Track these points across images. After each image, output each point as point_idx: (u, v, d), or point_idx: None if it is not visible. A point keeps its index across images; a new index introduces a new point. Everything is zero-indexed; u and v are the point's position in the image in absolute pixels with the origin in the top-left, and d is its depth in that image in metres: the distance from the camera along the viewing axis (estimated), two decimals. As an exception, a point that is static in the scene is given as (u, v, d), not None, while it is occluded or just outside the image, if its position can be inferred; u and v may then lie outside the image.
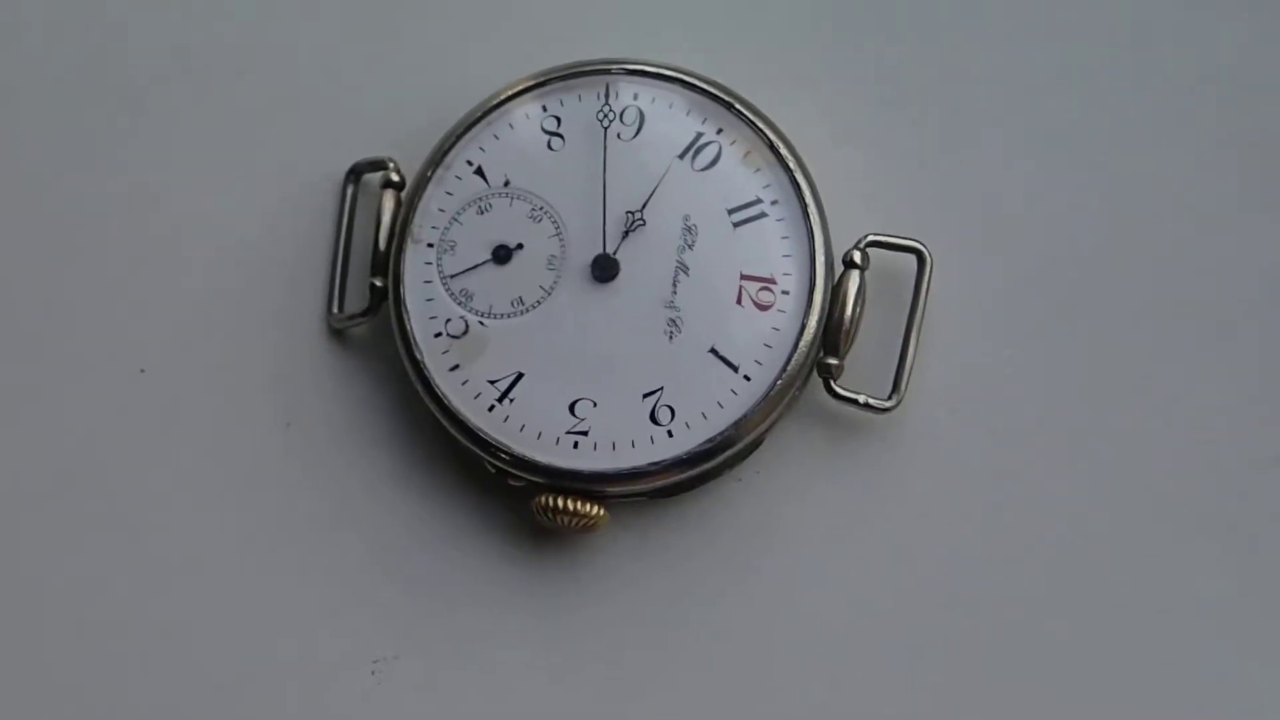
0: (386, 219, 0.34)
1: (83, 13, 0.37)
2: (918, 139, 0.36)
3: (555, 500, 0.33)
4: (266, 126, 0.37)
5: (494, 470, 0.33)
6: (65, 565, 0.35)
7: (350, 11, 0.37)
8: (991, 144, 0.36)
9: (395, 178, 0.35)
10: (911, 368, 0.34)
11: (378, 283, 0.34)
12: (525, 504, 0.33)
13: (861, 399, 0.33)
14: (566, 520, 0.33)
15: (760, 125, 0.34)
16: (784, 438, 0.34)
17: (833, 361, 0.33)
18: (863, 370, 0.34)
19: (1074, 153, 0.36)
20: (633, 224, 0.33)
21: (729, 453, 0.33)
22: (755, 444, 0.34)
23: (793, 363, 0.33)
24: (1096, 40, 0.36)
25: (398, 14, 0.37)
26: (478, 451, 0.33)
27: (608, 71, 0.34)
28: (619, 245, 0.33)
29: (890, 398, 0.34)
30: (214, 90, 0.37)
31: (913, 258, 0.34)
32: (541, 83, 0.34)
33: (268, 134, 0.37)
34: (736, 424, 0.32)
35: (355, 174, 0.36)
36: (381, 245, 0.34)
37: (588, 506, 0.33)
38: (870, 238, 0.34)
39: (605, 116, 0.34)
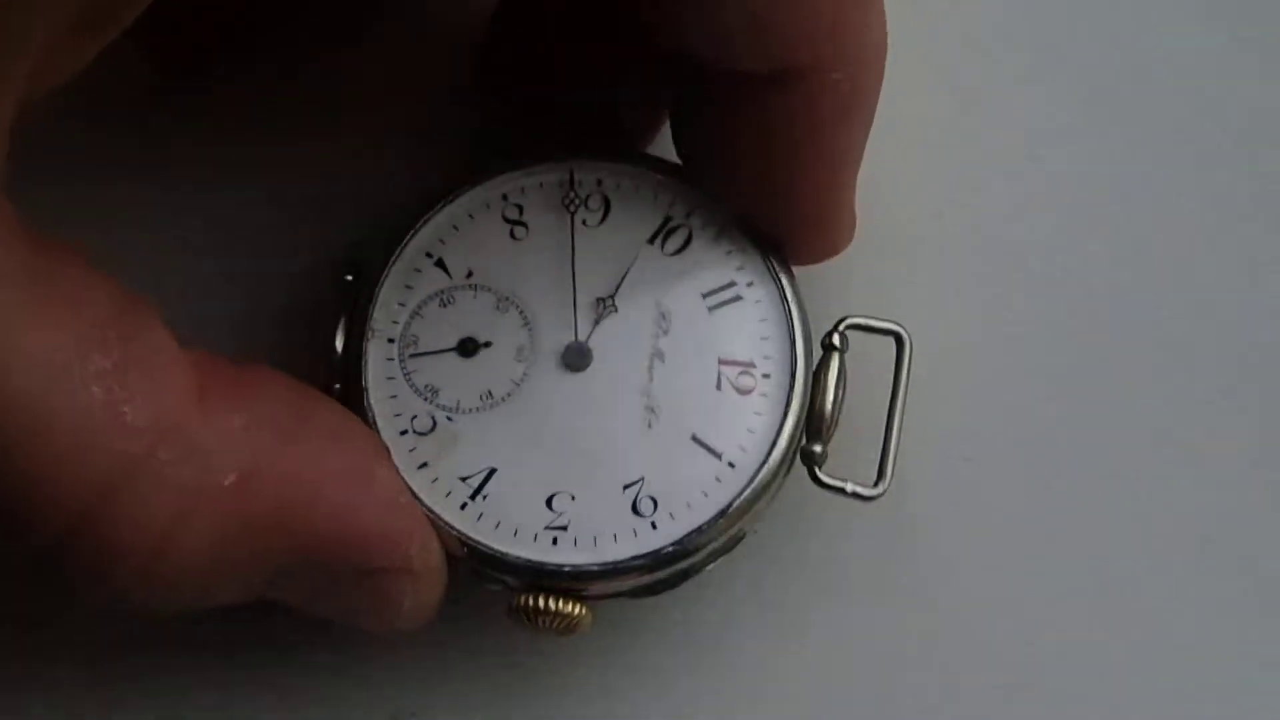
0: (343, 320, 0.33)
1: None
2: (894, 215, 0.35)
3: (535, 600, 0.31)
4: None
5: (473, 573, 0.31)
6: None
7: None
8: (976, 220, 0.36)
9: (349, 278, 0.33)
10: (897, 453, 0.32)
11: (336, 386, 0.32)
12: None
13: (849, 488, 0.32)
14: (547, 621, 0.31)
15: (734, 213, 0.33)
16: (768, 528, 0.33)
17: (816, 449, 0.32)
18: (846, 453, 0.33)
19: (1070, 217, 0.36)
20: (604, 311, 0.32)
21: (714, 544, 0.31)
22: (739, 536, 0.32)
23: (777, 447, 0.31)
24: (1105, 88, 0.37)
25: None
26: (451, 552, 0.31)
27: (570, 158, 0.33)
28: (590, 333, 0.32)
29: (876, 485, 0.32)
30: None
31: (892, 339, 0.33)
32: (500, 171, 0.33)
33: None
34: (723, 512, 0.31)
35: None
36: (338, 346, 0.32)
37: (570, 606, 0.31)
38: (849, 321, 0.33)
39: (570, 202, 0.33)
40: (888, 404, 0.33)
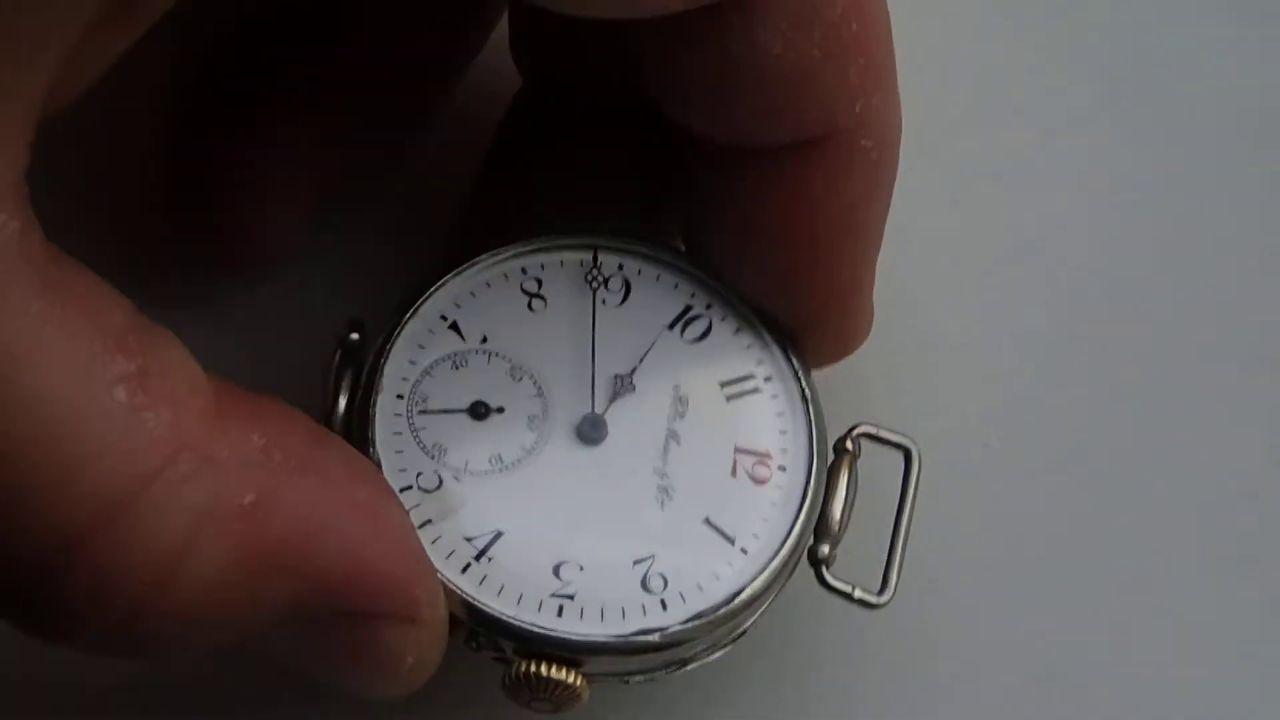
0: (347, 378, 0.31)
1: None
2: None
3: (536, 668, 0.29)
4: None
5: (473, 644, 0.30)
6: None
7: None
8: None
9: (355, 336, 0.32)
10: (902, 564, 0.32)
11: None
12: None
13: (856, 593, 0.31)
14: (547, 690, 0.29)
15: (753, 307, 0.33)
16: (767, 625, 0.32)
17: (824, 550, 0.31)
18: (851, 555, 0.32)
19: (1085, 209, 0.36)
20: (622, 388, 0.31)
21: (721, 631, 0.30)
22: (741, 630, 0.31)
23: (791, 538, 0.30)
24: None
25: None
26: (453, 614, 0.29)
27: (593, 238, 0.33)
28: (606, 408, 0.31)
29: (881, 594, 0.32)
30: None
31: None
32: (521, 252, 0.33)
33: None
34: (734, 595, 0.30)
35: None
36: (341, 402, 0.31)
37: (570, 676, 0.29)
38: (861, 429, 0.33)
39: (593, 280, 0.32)
40: (894, 517, 0.32)
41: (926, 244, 0.35)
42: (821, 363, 0.33)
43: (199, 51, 0.34)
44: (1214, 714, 0.34)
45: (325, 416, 0.31)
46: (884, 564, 0.32)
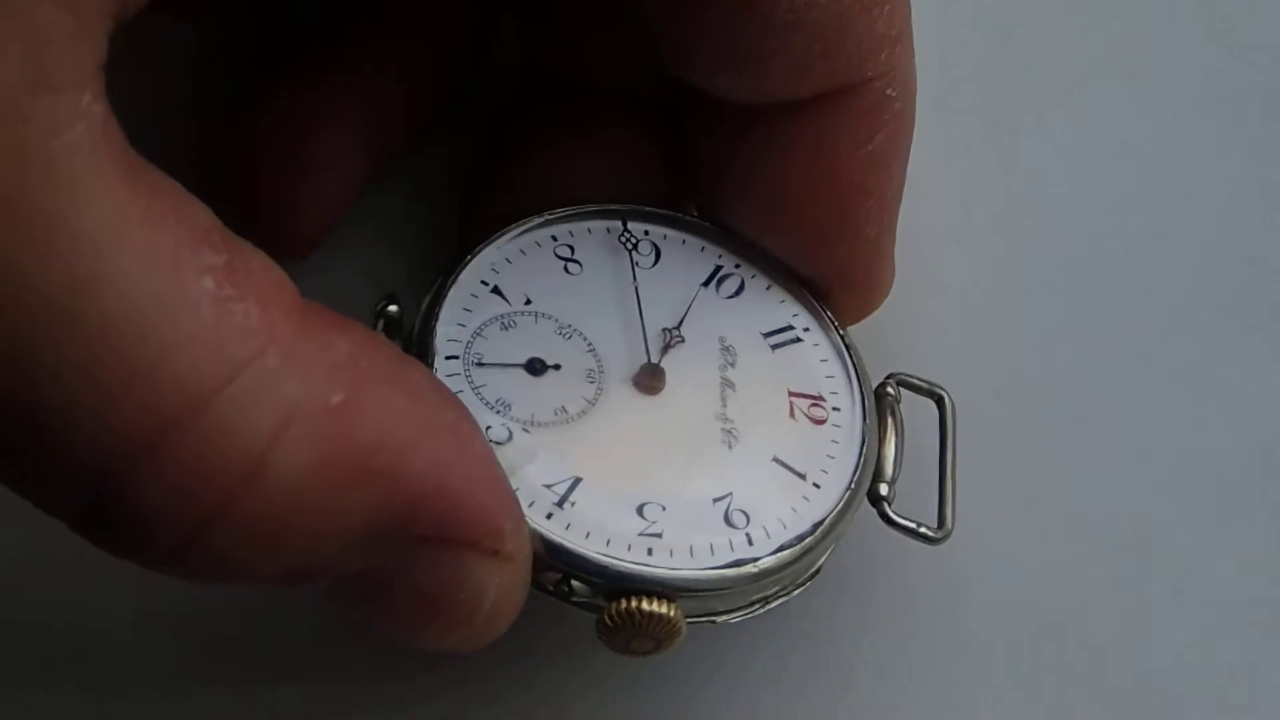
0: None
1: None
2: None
3: (634, 604, 0.28)
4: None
5: (565, 588, 0.28)
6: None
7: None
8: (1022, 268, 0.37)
9: (393, 308, 0.31)
10: (955, 501, 0.32)
11: None
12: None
13: (922, 529, 0.31)
14: (647, 626, 0.28)
15: (779, 267, 0.33)
16: (835, 566, 0.31)
17: (883, 489, 0.31)
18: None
19: (1098, 160, 0.37)
20: (672, 340, 0.31)
21: (804, 561, 0.30)
22: (815, 569, 0.31)
23: (860, 470, 0.31)
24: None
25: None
26: (541, 559, 0.28)
27: (619, 211, 0.33)
28: (661, 359, 0.31)
29: (939, 530, 0.32)
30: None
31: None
32: (548, 221, 0.33)
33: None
34: (817, 525, 0.30)
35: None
36: None
37: (667, 608, 0.28)
38: (897, 376, 0.33)
39: (625, 240, 0.32)
40: (939, 459, 0.33)
41: (938, 197, 0.36)
42: (845, 322, 0.33)
43: (238, 34, 0.34)
44: (1223, 654, 0.34)
45: None
46: (937, 504, 0.32)
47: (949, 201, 0.37)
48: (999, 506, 0.34)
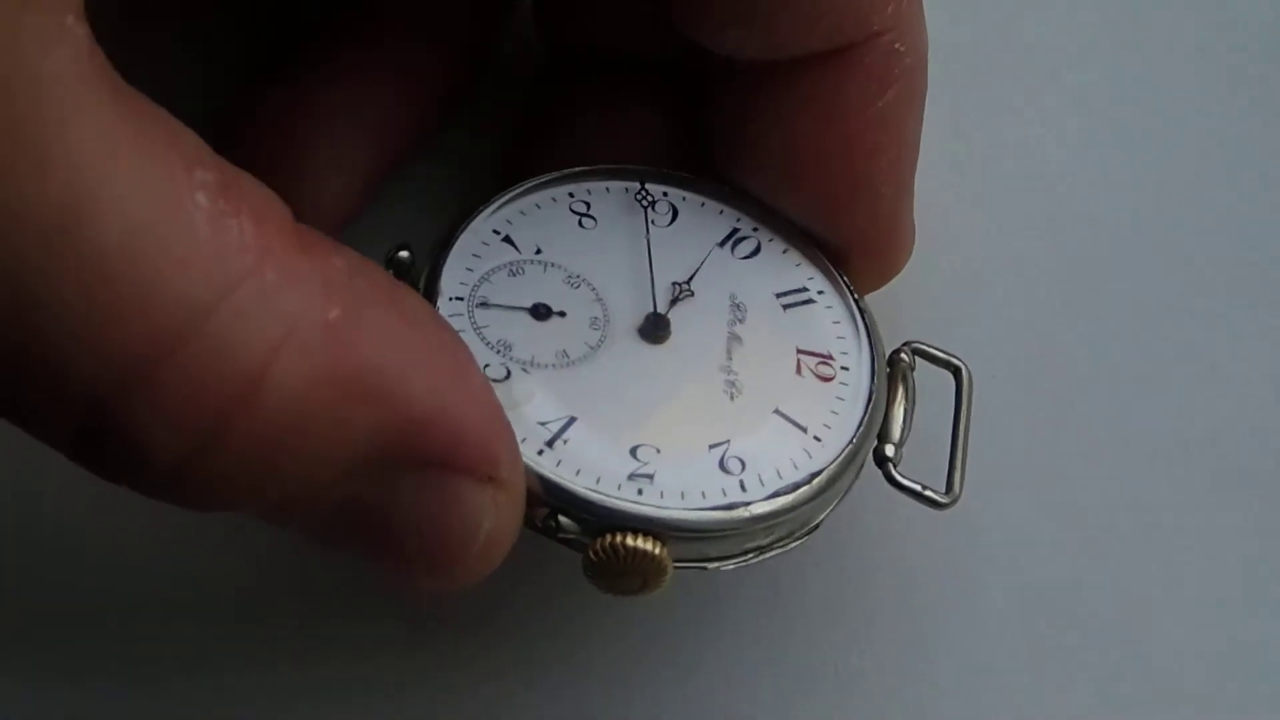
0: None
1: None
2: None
3: (619, 540, 0.28)
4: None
5: (552, 523, 0.28)
6: None
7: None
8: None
9: (404, 253, 0.31)
10: (965, 469, 0.32)
11: None
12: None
13: (927, 492, 0.31)
14: (632, 562, 0.28)
15: (797, 231, 0.33)
16: (836, 525, 0.31)
17: (889, 450, 0.31)
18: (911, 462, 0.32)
19: (1091, 135, 0.37)
20: (681, 294, 0.31)
21: (799, 513, 0.29)
22: (814, 524, 0.30)
23: (863, 426, 0.30)
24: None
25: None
26: (532, 493, 0.28)
27: (639, 172, 0.33)
28: (668, 310, 0.31)
29: (946, 494, 0.31)
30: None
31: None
32: (567, 176, 0.33)
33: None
34: (814, 476, 0.29)
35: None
36: None
37: (654, 546, 0.28)
38: (913, 344, 0.33)
39: (642, 198, 0.33)
40: (951, 429, 0.32)
41: (936, 173, 0.36)
42: (868, 287, 0.33)
43: (236, 36, 0.35)
44: (1221, 623, 0.34)
45: None
46: (947, 470, 0.31)
47: (941, 181, 0.37)
48: (1002, 479, 0.34)
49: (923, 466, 0.31)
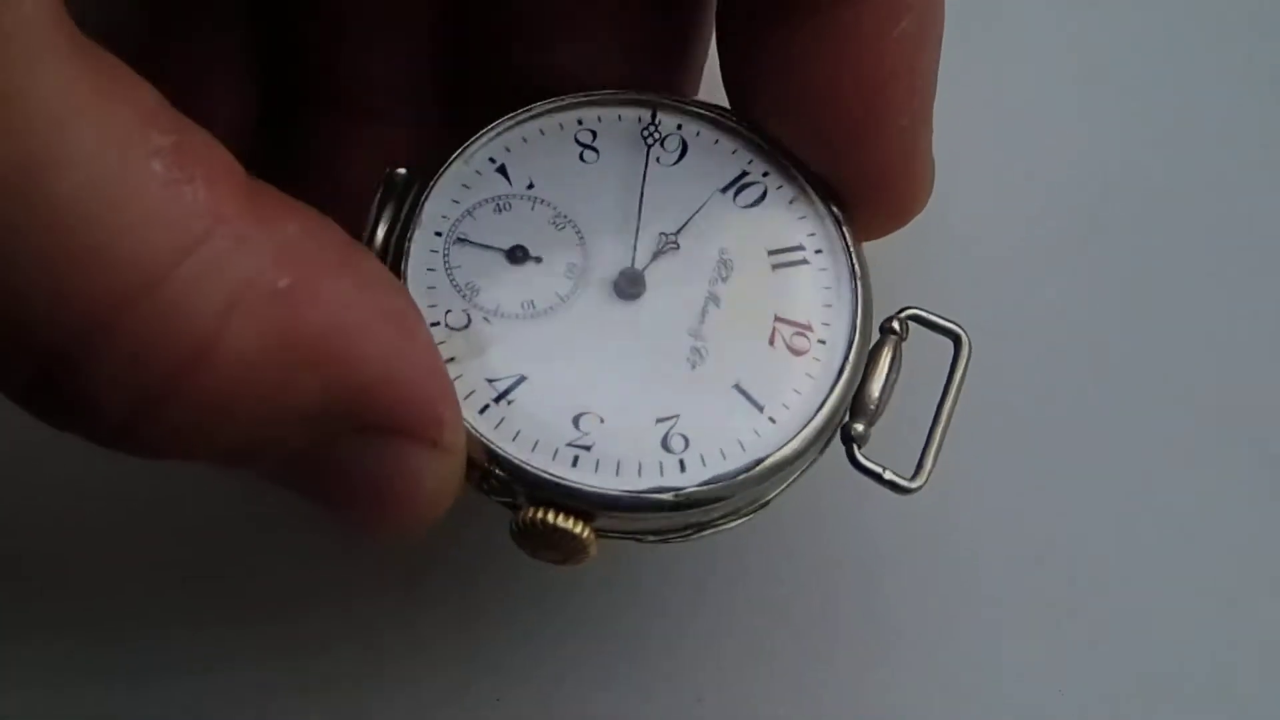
0: (388, 211, 0.31)
1: None
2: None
3: (544, 515, 0.28)
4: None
5: (484, 487, 0.29)
6: None
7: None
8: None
9: (401, 171, 0.31)
10: (940, 450, 0.31)
11: None
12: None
13: (886, 474, 0.30)
14: (554, 540, 0.28)
15: (810, 177, 0.32)
16: (791, 502, 0.31)
17: (859, 428, 0.30)
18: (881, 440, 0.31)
19: (1091, 104, 0.37)
20: (665, 246, 0.31)
21: (739, 499, 0.29)
22: (764, 500, 0.30)
23: (823, 411, 0.29)
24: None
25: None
26: (470, 455, 0.29)
27: (654, 102, 0.32)
28: (648, 265, 0.30)
29: (914, 479, 0.30)
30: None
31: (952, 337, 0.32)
32: (581, 102, 0.32)
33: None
34: (756, 462, 0.29)
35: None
36: (379, 235, 0.30)
37: (579, 527, 0.28)
38: (911, 311, 0.31)
39: (649, 137, 0.32)
40: (938, 401, 0.31)
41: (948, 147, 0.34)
42: (884, 229, 0.32)
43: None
44: (1212, 591, 0.34)
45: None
46: (921, 449, 0.31)
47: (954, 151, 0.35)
48: (986, 448, 0.35)
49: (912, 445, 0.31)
